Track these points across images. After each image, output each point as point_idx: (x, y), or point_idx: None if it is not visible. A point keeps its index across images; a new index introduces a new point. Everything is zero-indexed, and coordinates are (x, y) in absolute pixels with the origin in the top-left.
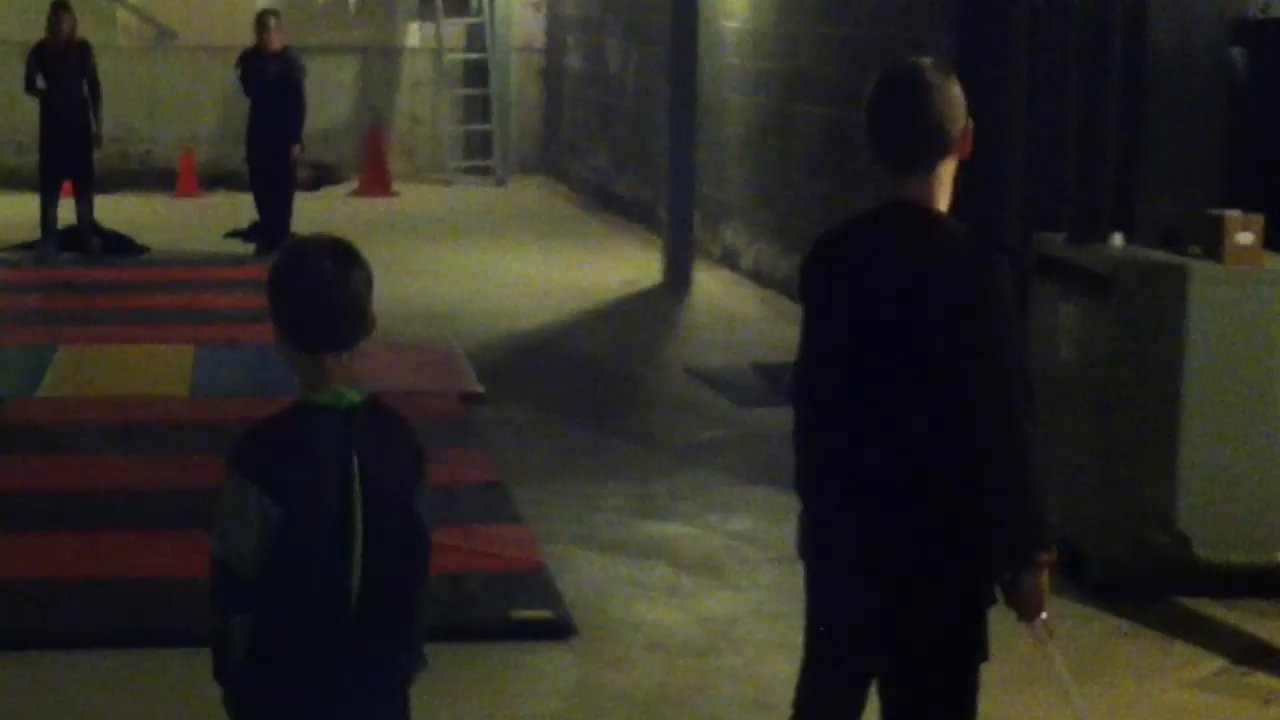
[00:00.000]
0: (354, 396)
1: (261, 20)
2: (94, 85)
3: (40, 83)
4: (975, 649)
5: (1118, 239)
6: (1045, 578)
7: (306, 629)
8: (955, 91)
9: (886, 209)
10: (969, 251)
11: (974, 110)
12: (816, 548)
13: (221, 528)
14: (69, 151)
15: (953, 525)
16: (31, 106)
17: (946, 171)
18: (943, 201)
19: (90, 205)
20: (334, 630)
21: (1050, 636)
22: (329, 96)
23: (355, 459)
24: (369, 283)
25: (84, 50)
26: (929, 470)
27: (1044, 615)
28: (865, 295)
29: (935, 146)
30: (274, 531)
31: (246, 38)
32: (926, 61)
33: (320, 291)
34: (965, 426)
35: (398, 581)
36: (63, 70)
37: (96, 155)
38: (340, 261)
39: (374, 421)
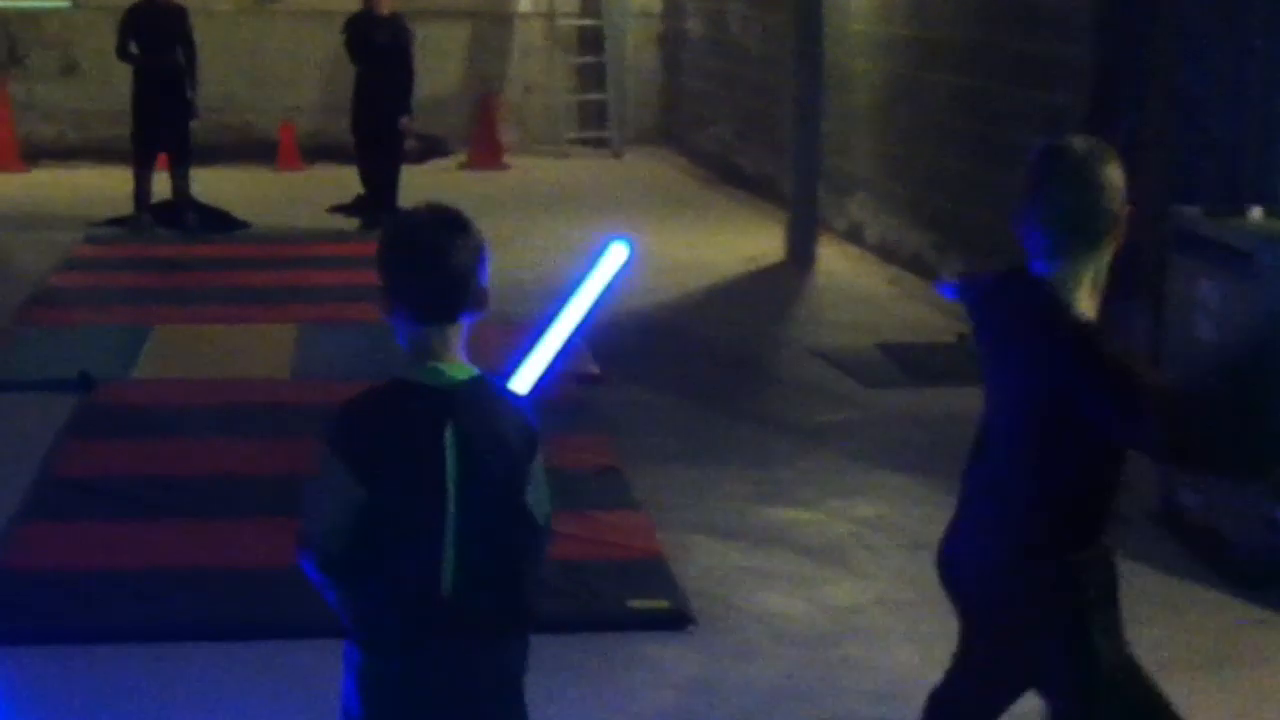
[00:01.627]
0: (458, 373)
1: None
2: (189, 52)
3: (134, 49)
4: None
5: (1256, 212)
6: None
7: (402, 614)
8: (1115, 177)
9: (1019, 278)
10: (1071, 353)
11: (1113, 75)
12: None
13: (309, 504)
14: (164, 122)
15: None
16: (124, 75)
17: (1091, 260)
18: (1083, 287)
19: (187, 179)
20: (431, 616)
21: None
22: (437, 64)
23: (450, 440)
24: (479, 253)
25: (180, 15)
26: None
27: None
28: (994, 356)
29: (1081, 234)
30: (362, 512)
31: (347, 2)
32: (1089, 142)
33: (427, 259)
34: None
35: (500, 569)
36: (158, 36)
37: (193, 126)
38: (449, 229)
39: (478, 401)
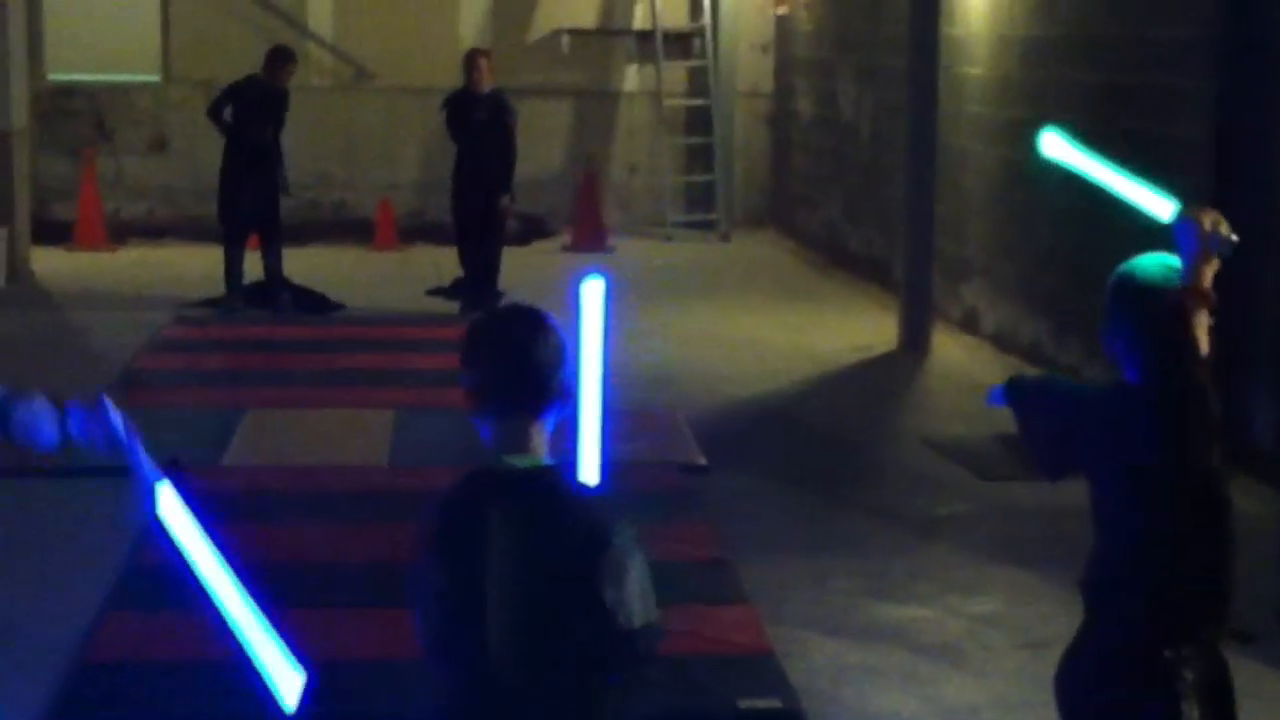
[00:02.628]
0: (522, 462)
1: (471, 59)
2: (278, 131)
3: (227, 116)
4: None
5: None
6: None
7: (451, 700)
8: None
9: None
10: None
11: (1237, 135)
12: None
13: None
14: (254, 199)
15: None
16: (214, 151)
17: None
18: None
19: (278, 258)
20: (479, 705)
21: None
22: (540, 143)
23: (496, 522)
24: (560, 351)
25: (282, 97)
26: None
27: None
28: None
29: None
30: (432, 600)
31: (448, 78)
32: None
33: (506, 358)
34: None
35: (561, 665)
36: (255, 111)
37: (284, 203)
38: (529, 328)
39: (537, 490)
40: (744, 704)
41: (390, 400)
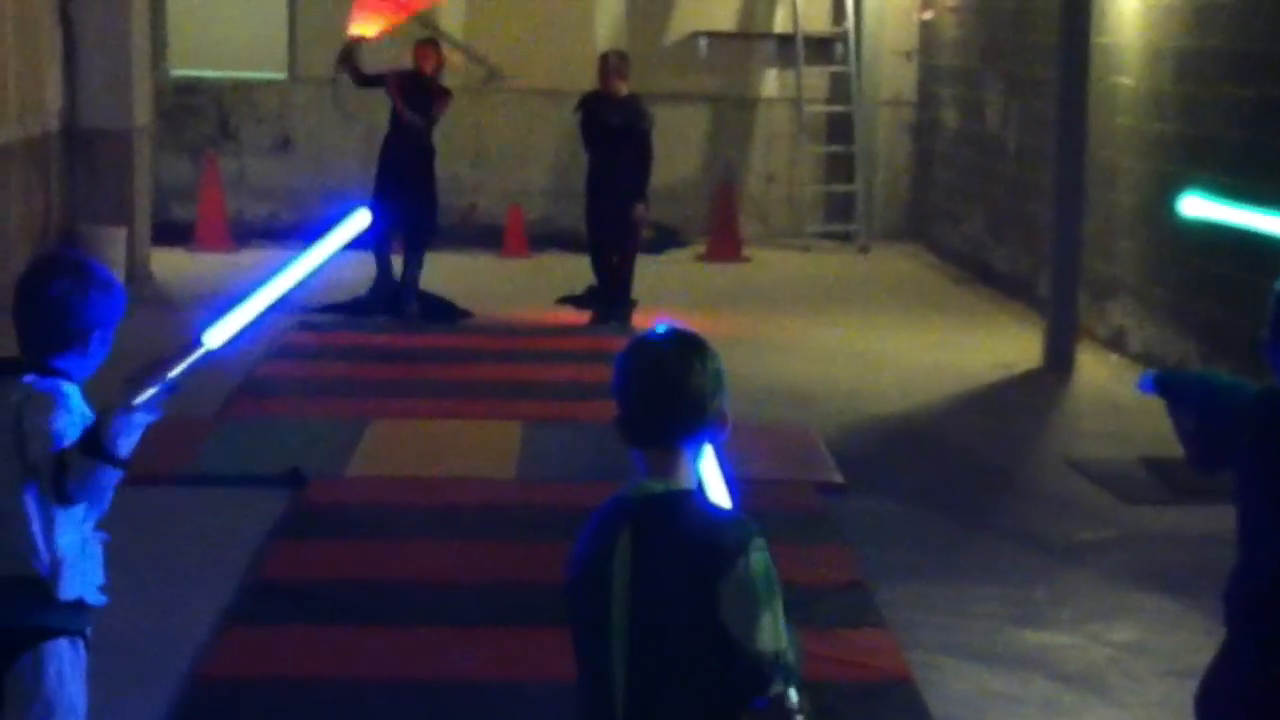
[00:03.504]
0: (657, 487)
1: (606, 62)
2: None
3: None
4: None
5: None
6: None
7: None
8: None
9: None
10: None
11: None
12: None
13: None
14: (406, 200)
15: None
16: (340, 152)
17: None
18: None
19: (419, 266)
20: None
21: None
22: (675, 150)
23: (624, 544)
24: (716, 379)
25: (443, 95)
26: None
27: None
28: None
29: None
30: (571, 622)
31: (581, 81)
32: None
33: (658, 385)
34: None
35: (685, 690)
36: (414, 107)
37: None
38: (681, 355)
39: (667, 512)
40: None
41: (518, 412)
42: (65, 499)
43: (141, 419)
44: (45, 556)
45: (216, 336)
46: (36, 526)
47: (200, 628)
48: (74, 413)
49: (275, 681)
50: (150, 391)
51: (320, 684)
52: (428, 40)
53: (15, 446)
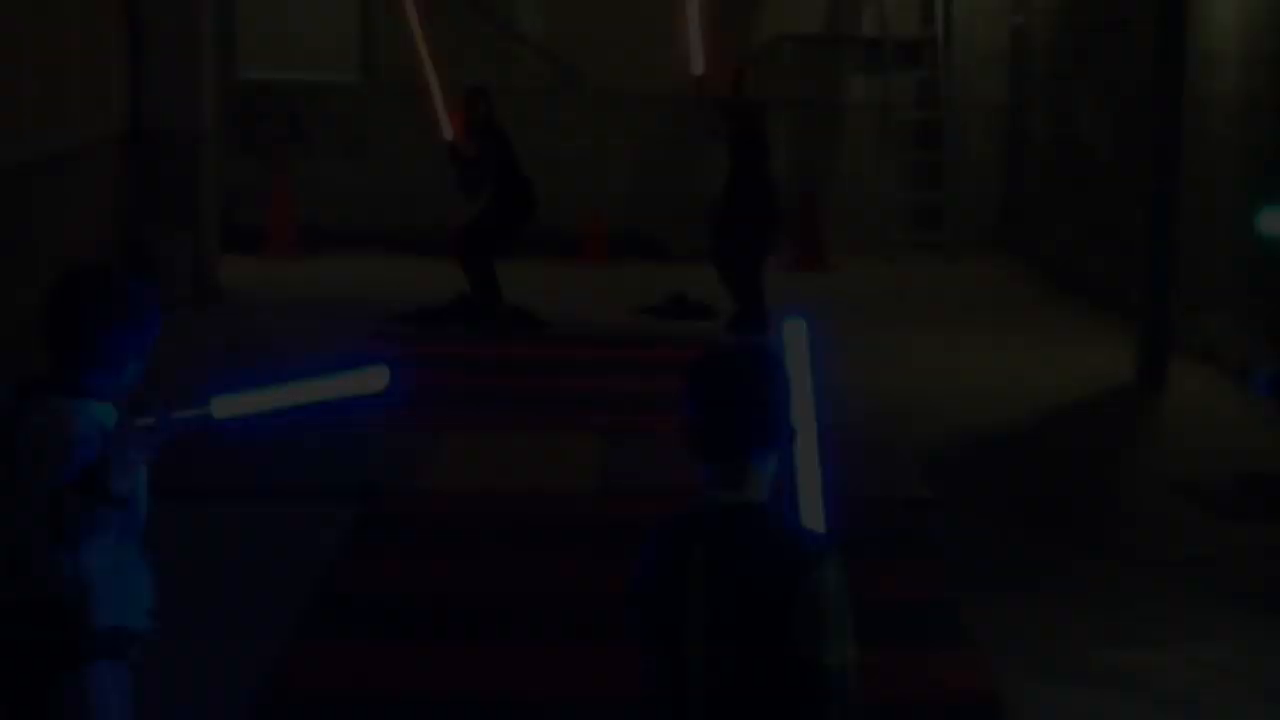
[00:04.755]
0: (728, 501)
1: (745, 73)
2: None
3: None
4: None
5: None
6: None
7: None
8: None
9: None
10: None
11: None
12: None
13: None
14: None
15: None
16: (413, 155)
17: None
18: None
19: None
20: None
21: None
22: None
23: (693, 568)
24: (785, 391)
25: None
26: None
27: None
28: None
29: None
30: (643, 637)
31: (661, 84)
32: None
33: (727, 400)
34: None
35: (753, 705)
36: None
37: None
38: (752, 369)
39: (739, 526)
40: None
41: (597, 424)
42: (59, 537)
43: (136, 457)
44: (69, 579)
45: (224, 408)
46: (58, 549)
47: (274, 643)
48: (88, 443)
49: (349, 696)
50: (153, 430)
51: (394, 700)
52: (474, 89)
53: (34, 470)
